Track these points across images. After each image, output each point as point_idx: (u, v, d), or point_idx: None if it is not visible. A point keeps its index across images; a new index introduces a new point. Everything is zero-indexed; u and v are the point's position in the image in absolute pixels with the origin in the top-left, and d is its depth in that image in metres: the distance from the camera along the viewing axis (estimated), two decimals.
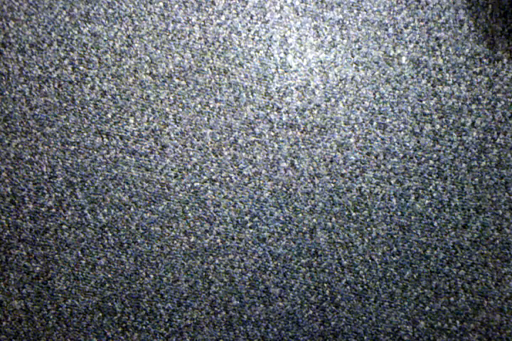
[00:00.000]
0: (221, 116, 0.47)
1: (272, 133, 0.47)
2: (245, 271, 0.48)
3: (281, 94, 0.47)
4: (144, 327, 0.48)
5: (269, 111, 0.47)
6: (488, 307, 0.48)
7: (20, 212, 0.48)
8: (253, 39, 0.46)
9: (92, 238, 0.48)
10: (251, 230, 0.48)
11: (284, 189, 0.47)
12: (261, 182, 0.47)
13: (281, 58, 0.46)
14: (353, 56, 0.47)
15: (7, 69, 0.45)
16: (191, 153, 0.47)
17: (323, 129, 0.47)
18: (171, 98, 0.46)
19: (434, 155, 0.47)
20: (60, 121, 0.47)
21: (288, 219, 0.47)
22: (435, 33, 0.47)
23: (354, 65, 0.47)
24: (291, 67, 0.46)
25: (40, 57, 0.45)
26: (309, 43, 0.46)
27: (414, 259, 0.48)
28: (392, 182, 0.48)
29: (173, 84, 0.46)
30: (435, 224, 0.48)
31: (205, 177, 0.47)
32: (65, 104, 0.47)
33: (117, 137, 0.46)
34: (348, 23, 0.46)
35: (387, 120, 0.47)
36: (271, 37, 0.46)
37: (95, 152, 0.46)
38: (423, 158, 0.48)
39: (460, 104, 0.47)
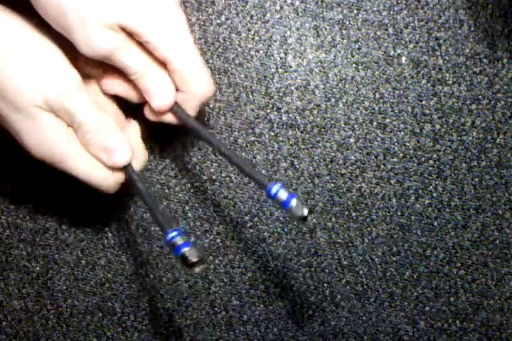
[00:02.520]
0: (221, 116, 0.47)
1: (272, 133, 0.47)
2: (245, 271, 0.48)
3: (281, 94, 0.47)
4: (143, 327, 0.48)
5: (269, 111, 0.47)
6: (488, 307, 0.48)
7: (20, 212, 0.48)
8: (253, 39, 0.46)
9: (92, 238, 0.48)
10: (251, 230, 0.48)
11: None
12: None
13: (281, 58, 0.46)
14: (353, 56, 0.47)
15: None
16: (191, 153, 0.47)
17: (323, 129, 0.47)
18: None
19: (434, 155, 0.47)
20: None
21: (288, 219, 0.47)
22: (435, 33, 0.47)
23: (354, 65, 0.47)
24: (291, 67, 0.46)
25: None
26: (309, 43, 0.46)
27: (414, 259, 0.48)
28: (392, 182, 0.48)
29: None
30: (435, 224, 0.48)
31: (205, 177, 0.47)
32: None
33: None
34: (348, 23, 0.46)
35: (387, 120, 0.47)
36: (271, 37, 0.46)
37: None
38: (423, 158, 0.48)
39: (460, 104, 0.47)
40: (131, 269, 0.48)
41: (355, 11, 0.46)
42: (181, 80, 0.35)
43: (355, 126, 0.47)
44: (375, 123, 0.47)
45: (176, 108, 0.37)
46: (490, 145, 0.47)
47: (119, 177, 0.37)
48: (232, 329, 0.48)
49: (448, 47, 0.47)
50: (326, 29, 0.46)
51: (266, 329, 0.48)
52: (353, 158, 0.47)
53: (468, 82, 0.47)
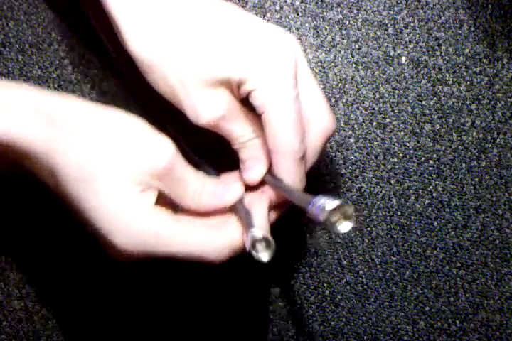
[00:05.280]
0: None
1: None
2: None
3: None
4: (144, 327, 0.48)
5: None
6: (488, 307, 0.48)
7: (20, 212, 0.48)
8: None
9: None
10: None
11: None
12: None
13: None
14: (353, 56, 0.47)
15: (7, 69, 0.45)
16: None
17: None
18: None
19: (434, 155, 0.48)
20: None
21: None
22: (435, 33, 0.47)
23: (354, 65, 0.47)
24: None
25: (40, 57, 0.45)
26: (309, 43, 0.46)
27: (414, 259, 0.48)
28: (392, 182, 0.48)
29: None
30: (435, 224, 0.48)
31: None
32: None
33: None
34: (348, 23, 0.46)
35: (387, 120, 0.47)
36: None
37: None
38: (423, 158, 0.48)
39: (460, 104, 0.47)
40: (131, 269, 0.48)
41: (355, 11, 0.46)
42: (270, 132, 0.33)
43: (355, 126, 0.47)
44: (375, 123, 0.47)
45: (280, 184, 0.35)
46: (490, 145, 0.47)
47: (233, 240, 0.33)
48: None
49: (448, 47, 0.47)
50: (326, 29, 0.46)
51: (266, 329, 0.48)
52: (353, 158, 0.47)
53: (468, 82, 0.47)
